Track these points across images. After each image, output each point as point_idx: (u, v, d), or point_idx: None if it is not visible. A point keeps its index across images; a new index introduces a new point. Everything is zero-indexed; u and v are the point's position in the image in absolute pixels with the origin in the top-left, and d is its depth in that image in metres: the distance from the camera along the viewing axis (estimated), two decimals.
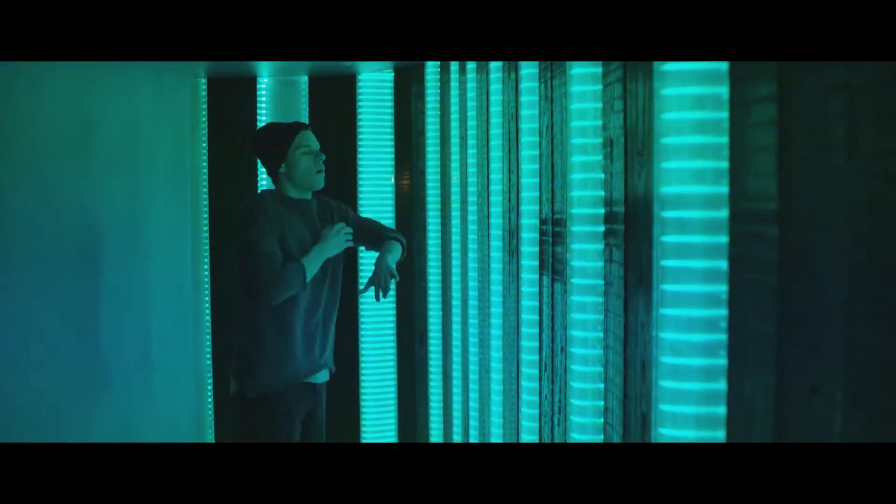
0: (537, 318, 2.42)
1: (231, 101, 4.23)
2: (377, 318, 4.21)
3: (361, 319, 4.19)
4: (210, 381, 4.29)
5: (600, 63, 1.85)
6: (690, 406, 1.40)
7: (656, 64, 1.46)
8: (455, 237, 3.53)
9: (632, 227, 1.63)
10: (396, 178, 4.20)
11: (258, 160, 3.11)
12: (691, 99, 1.39)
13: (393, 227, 4.19)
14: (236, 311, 2.98)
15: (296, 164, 2.93)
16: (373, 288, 2.98)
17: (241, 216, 2.88)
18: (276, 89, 4.24)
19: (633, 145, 1.61)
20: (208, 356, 4.27)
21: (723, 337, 1.33)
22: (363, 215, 4.17)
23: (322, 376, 3.05)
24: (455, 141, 3.51)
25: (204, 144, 4.25)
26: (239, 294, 2.94)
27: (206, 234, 4.27)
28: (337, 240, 2.98)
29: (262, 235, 2.80)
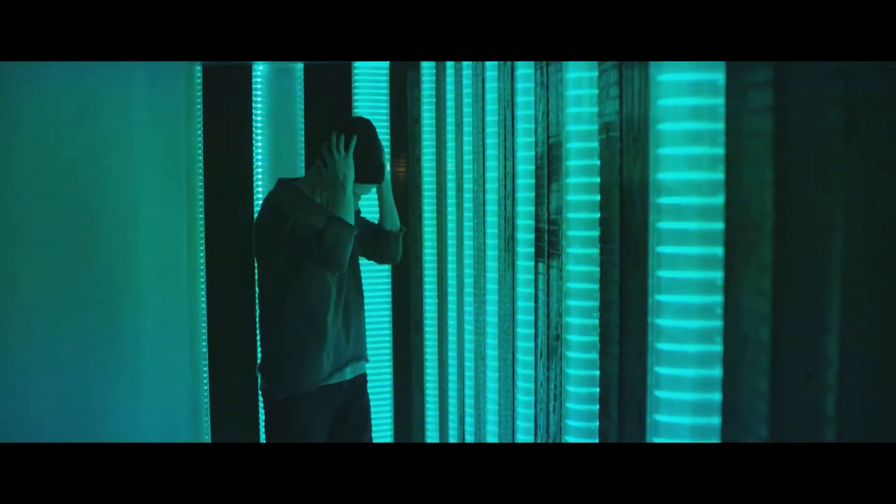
0: (533, 305, 2.42)
1: (226, 88, 4.22)
2: (372, 305, 4.20)
3: None
4: (206, 374, 4.28)
5: None
6: (686, 392, 1.41)
7: None
8: (451, 224, 3.53)
9: (628, 213, 1.63)
10: (392, 166, 4.19)
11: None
12: (687, 85, 1.39)
13: None
14: (264, 307, 2.86)
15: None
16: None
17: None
18: (272, 76, 4.22)
19: (629, 131, 1.61)
20: (204, 347, 4.27)
21: (718, 323, 1.33)
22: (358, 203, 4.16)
23: (350, 372, 2.95)
24: (451, 128, 3.50)
25: (199, 132, 4.23)
26: (264, 290, 2.85)
27: (202, 223, 4.25)
28: (342, 165, 2.92)
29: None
